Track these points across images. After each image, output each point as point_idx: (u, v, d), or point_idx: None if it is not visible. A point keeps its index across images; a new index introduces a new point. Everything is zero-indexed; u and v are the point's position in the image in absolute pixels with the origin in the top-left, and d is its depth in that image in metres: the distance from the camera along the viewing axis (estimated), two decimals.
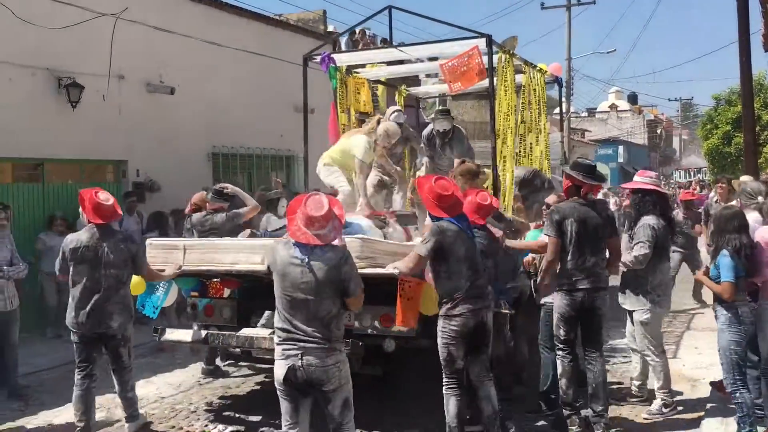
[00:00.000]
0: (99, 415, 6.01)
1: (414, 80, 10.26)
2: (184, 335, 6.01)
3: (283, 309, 3.95)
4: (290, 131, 14.27)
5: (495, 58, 6.98)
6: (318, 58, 8.06)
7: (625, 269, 5.69)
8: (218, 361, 7.41)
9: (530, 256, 5.85)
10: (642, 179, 5.85)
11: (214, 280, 6.20)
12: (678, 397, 6.06)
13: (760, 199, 5.57)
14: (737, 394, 4.83)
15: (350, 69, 8.55)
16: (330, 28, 17.06)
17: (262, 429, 5.76)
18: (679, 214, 9.93)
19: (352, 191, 6.65)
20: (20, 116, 9.23)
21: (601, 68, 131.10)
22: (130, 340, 5.57)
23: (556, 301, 5.40)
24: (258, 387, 7.02)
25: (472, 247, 4.83)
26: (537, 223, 6.26)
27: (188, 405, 6.49)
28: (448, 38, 7.68)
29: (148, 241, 6.05)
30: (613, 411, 5.75)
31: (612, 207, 12.05)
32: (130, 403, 5.61)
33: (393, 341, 5.19)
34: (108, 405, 6.36)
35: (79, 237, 5.42)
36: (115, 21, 9.75)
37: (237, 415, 6.11)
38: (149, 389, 6.97)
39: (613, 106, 63.65)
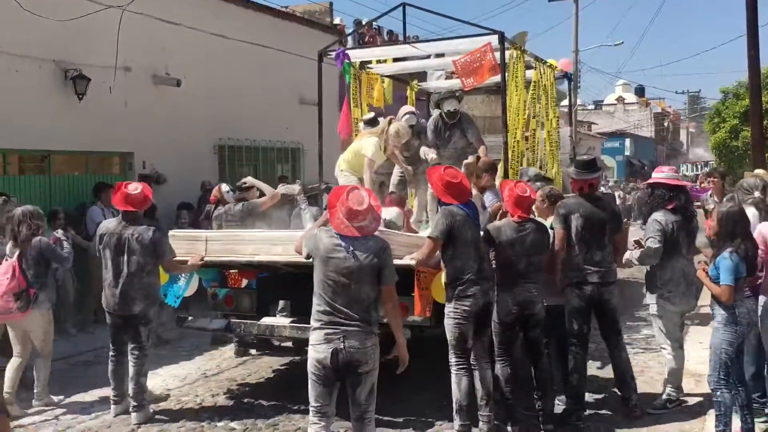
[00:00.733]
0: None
1: (423, 75, 10.32)
2: (207, 323, 6.42)
3: (324, 293, 4.10)
4: (296, 123, 14.30)
5: (507, 54, 7.08)
6: (332, 54, 8.28)
7: (631, 266, 5.74)
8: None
9: (497, 204, 6.03)
10: (656, 174, 5.91)
11: (232, 270, 6.39)
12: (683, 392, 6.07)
13: (757, 194, 5.55)
14: (718, 393, 4.82)
15: (363, 64, 8.71)
16: (336, 20, 17.05)
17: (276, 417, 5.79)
18: None
19: None
20: (27, 108, 9.24)
21: (608, 61, 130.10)
22: (152, 322, 5.89)
23: (567, 296, 5.57)
24: (264, 380, 7.05)
25: (477, 233, 5.17)
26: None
27: (194, 397, 6.52)
28: (460, 35, 7.80)
29: (171, 233, 6.24)
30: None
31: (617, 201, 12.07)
32: (139, 389, 5.80)
33: (409, 330, 5.32)
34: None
35: (108, 224, 5.85)
36: (121, 13, 9.73)
37: (243, 408, 6.14)
38: (155, 381, 6.98)
39: (620, 99, 63.42)
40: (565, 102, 13.81)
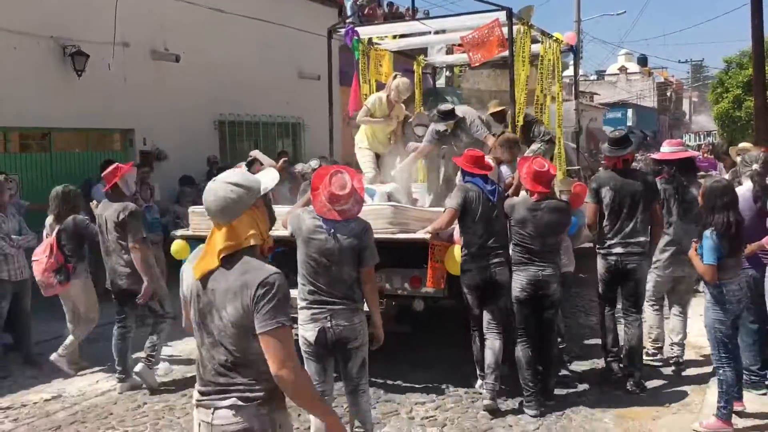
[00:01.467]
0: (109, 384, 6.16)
1: (426, 50, 10.41)
2: None
3: (307, 274, 4.17)
4: (296, 98, 14.26)
5: (514, 29, 7.18)
6: (342, 31, 8.49)
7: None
8: None
9: (510, 179, 6.17)
10: (663, 149, 6.29)
11: None
12: (684, 365, 6.20)
13: (755, 166, 5.56)
14: (720, 371, 4.83)
15: (371, 41, 8.87)
16: None
17: None
18: None
19: (374, 176, 7.14)
20: (26, 86, 9.23)
21: (610, 30, 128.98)
22: (156, 294, 6.08)
23: (598, 263, 5.86)
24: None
25: (490, 209, 5.30)
26: None
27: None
28: (468, 11, 8.01)
29: (190, 209, 6.53)
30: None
31: None
32: (152, 348, 6.13)
33: (422, 301, 5.67)
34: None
35: (100, 206, 6.12)
36: None
37: None
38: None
39: (622, 69, 62.89)
40: (568, 72, 13.74)
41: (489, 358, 5.34)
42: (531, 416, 5.25)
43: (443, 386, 5.92)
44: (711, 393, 5.31)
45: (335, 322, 4.08)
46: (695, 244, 4.85)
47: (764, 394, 5.37)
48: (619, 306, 5.94)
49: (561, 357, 6.06)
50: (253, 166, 7.54)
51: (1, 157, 9.22)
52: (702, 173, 8.31)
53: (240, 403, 2.52)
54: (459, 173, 5.84)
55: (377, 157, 7.61)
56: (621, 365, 5.87)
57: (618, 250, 5.66)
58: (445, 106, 7.22)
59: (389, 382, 5.99)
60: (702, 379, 5.90)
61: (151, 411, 5.66)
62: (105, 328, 7.45)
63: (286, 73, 14.16)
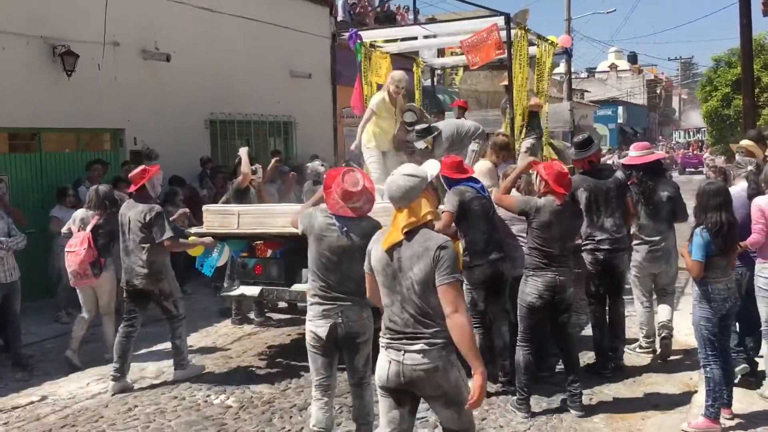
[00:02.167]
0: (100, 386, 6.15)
1: (415, 52, 10.64)
2: (242, 290, 6.93)
3: (318, 270, 4.25)
4: (287, 96, 14.25)
5: (512, 33, 7.47)
6: (346, 35, 8.85)
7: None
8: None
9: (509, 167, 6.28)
10: (631, 153, 6.64)
11: (258, 242, 6.81)
12: (672, 364, 6.28)
13: (750, 168, 5.70)
14: (707, 369, 4.89)
15: (373, 44, 9.13)
16: None
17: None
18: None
19: (379, 177, 7.20)
20: (15, 85, 9.17)
21: (601, 29, 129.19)
22: (172, 295, 6.30)
23: (584, 262, 6.09)
24: (259, 357, 7.12)
25: (487, 206, 5.58)
26: None
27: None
28: (467, 17, 8.63)
29: (204, 208, 6.83)
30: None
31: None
32: (177, 351, 6.37)
33: None
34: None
35: (124, 205, 6.30)
36: None
37: (239, 385, 6.21)
38: (150, 359, 7.06)
39: (612, 66, 63.10)
40: (558, 69, 13.95)
41: (499, 342, 5.77)
42: (522, 418, 5.29)
43: None
44: (700, 393, 5.37)
45: (346, 316, 4.18)
46: (687, 243, 4.92)
47: (744, 371, 5.55)
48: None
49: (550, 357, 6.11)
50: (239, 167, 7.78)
51: None
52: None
53: (426, 347, 3.28)
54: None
55: (384, 155, 7.70)
56: (612, 364, 6.11)
57: (605, 246, 5.98)
58: (420, 126, 7.34)
59: None
60: (691, 379, 5.96)
61: (142, 414, 5.65)
62: (97, 329, 7.45)
63: (278, 72, 14.15)
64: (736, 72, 24.16)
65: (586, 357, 6.34)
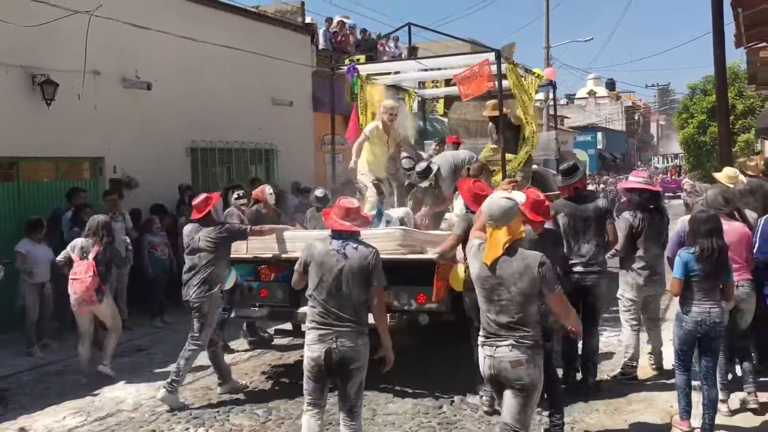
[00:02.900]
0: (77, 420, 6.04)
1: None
2: (251, 312, 7.20)
3: (317, 296, 4.49)
4: (269, 124, 14.29)
5: (503, 67, 7.97)
6: (344, 68, 9.38)
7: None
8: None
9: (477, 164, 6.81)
10: (633, 178, 6.88)
11: (262, 266, 7.03)
12: (653, 390, 6.30)
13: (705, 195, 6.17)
14: (676, 374, 5.34)
15: (369, 76, 9.59)
16: (308, 20, 16.98)
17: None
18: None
19: (375, 201, 7.68)
20: None
21: (579, 56, 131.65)
22: (206, 318, 6.42)
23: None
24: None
25: None
26: None
27: (168, 408, 6.46)
28: (461, 52, 9.42)
29: None
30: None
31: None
32: (177, 372, 6.39)
33: (427, 316, 6.28)
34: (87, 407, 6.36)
35: (189, 228, 6.65)
36: (89, 18, 9.61)
37: (217, 419, 6.13)
38: (128, 391, 6.96)
39: (591, 93, 63.94)
40: (538, 97, 14.38)
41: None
42: None
43: (447, 392, 6.42)
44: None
45: (340, 342, 4.38)
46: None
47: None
48: None
49: None
50: (234, 191, 8.38)
51: None
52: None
53: (515, 343, 3.93)
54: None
55: (379, 181, 8.15)
56: (580, 375, 6.43)
57: (579, 269, 6.24)
58: (419, 167, 7.87)
59: (396, 388, 6.55)
60: (672, 407, 5.95)
61: None
62: (72, 361, 7.36)
63: (259, 100, 14.19)
64: (711, 99, 24.61)
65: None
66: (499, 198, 4.09)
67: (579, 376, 6.43)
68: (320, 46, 16.70)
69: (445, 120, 12.73)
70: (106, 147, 10.75)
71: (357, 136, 8.75)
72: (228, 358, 8.02)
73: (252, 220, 7.67)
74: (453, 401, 6.29)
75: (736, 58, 24.66)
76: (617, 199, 29.81)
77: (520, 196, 4.54)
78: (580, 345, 6.42)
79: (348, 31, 18.14)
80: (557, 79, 11.15)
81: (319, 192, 8.06)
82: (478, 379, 5.62)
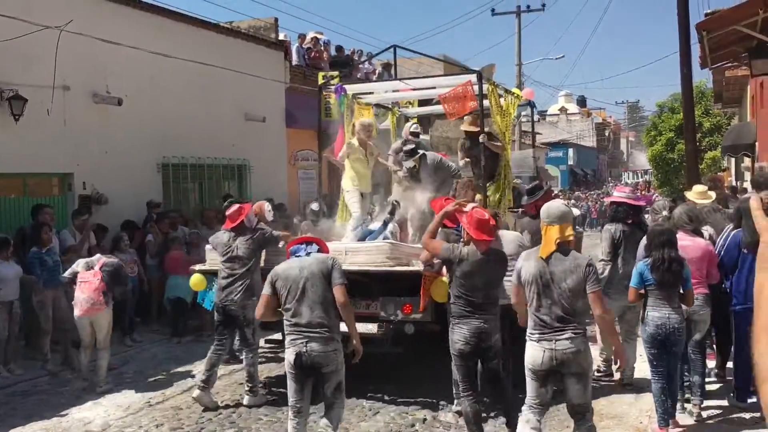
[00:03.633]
0: None
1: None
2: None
3: (288, 306, 4.89)
4: (242, 140, 14.22)
5: (484, 87, 8.36)
6: (332, 88, 9.59)
7: None
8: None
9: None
10: (618, 193, 7.27)
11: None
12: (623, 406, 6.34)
13: (665, 213, 6.57)
14: (652, 382, 5.59)
15: (354, 95, 9.84)
16: (281, 36, 16.98)
17: None
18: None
19: (359, 216, 8.03)
20: None
21: (551, 74, 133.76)
22: (253, 323, 6.74)
23: None
24: (203, 409, 6.94)
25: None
26: None
27: (137, 429, 6.38)
28: (444, 74, 9.91)
29: (207, 248, 7.46)
30: None
31: None
32: (250, 377, 6.81)
33: (412, 326, 6.52)
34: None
35: (223, 236, 6.98)
36: (59, 33, 9.51)
37: None
38: (97, 412, 6.83)
39: (562, 109, 64.76)
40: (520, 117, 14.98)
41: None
42: None
43: (430, 400, 6.60)
44: None
45: (310, 347, 4.78)
46: None
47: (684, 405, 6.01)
48: None
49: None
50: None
51: None
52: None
53: (573, 335, 4.49)
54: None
55: (362, 196, 8.34)
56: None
57: None
58: (408, 146, 8.26)
59: (386, 397, 6.82)
60: (641, 423, 6.03)
61: None
62: (38, 382, 7.21)
63: (232, 116, 14.13)
64: (678, 117, 25.03)
65: None
66: (559, 202, 4.95)
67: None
68: (294, 62, 16.71)
69: (426, 137, 12.93)
70: (75, 163, 10.62)
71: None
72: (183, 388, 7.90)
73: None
74: (426, 419, 6.29)
75: (703, 77, 25.17)
76: (588, 214, 30.26)
77: (576, 210, 5.26)
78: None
79: (322, 47, 18.16)
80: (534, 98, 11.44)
81: (314, 206, 8.46)
82: (455, 392, 5.95)
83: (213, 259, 7.27)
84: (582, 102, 64.70)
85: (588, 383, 4.58)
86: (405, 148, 8.30)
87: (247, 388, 6.85)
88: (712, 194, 7.70)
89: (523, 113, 12.34)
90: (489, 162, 8.25)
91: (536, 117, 14.00)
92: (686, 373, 6.09)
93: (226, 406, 6.89)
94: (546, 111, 65.44)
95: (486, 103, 8.50)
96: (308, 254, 5.06)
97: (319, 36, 18.79)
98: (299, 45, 17.52)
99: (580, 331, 4.51)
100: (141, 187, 11.66)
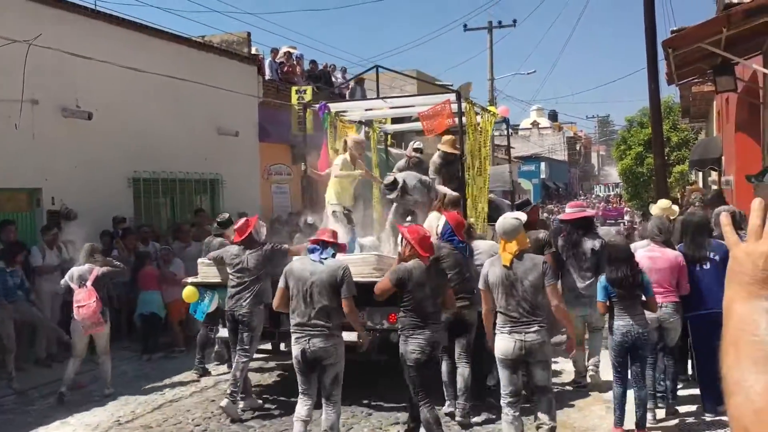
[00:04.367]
0: None
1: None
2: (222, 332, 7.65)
3: (296, 307, 5.38)
4: (214, 155, 14.15)
5: (463, 106, 8.69)
6: (317, 106, 9.93)
7: None
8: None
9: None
10: (569, 210, 7.69)
11: None
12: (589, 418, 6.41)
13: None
14: (614, 386, 5.94)
15: (338, 113, 10.21)
16: (254, 50, 16.98)
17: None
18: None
19: (346, 230, 8.07)
20: None
21: (523, 89, 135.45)
22: (255, 331, 6.95)
23: None
24: (175, 428, 6.86)
25: (458, 257, 6.42)
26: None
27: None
28: (424, 93, 10.36)
29: (199, 261, 7.77)
30: None
31: None
32: (234, 382, 6.84)
33: (397, 334, 6.39)
34: None
35: (232, 249, 7.20)
36: (28, 47, 9.41)
37: None
38: (64, 430, 6.71)
39: (534, 123, 65.48)
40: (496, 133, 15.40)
41: (460, 382, 6.38)
42: None
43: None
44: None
45: (312, 343, 5.31)
46: None
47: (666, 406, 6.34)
48: None
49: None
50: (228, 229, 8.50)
51: None
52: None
53: (539, 328, 5.15)
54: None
55: (348, 210, 8.53)
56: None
57: None
58: (387, 180, 8.41)
59: (373, 402, 7.03)
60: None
61: None
62: (4, 401, 7.05)
63: (204, 130, 14.07)
64: (647, 132, 25.42)
65: None
66: (510, 218, 5.41)
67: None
68: (267, 77, 16.70)
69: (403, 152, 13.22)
70: (43, 177, 10.48)
71: (327, 167, 9.11)
72: (169, 395, 7.84)
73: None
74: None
75: (671, 92, 25.63)
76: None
77: (523, 215, 6.19)
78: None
79: (295, 62, 18.18)
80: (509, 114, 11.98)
81: (310, 219, 8.61)
82: (447, 393, 6.49)
83: (205, 272, 7.53)
84: (553, 116, 65.48)
85: (549, 369, 5.34)
86: (384, 182, 8.43)
87: (228, 392, 6.85)
88: (676, 209, 8.23)
89: (496, 131, 12.79)
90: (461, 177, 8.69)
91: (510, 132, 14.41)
92: (660, 383, 6.37)
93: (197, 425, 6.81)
94: (518, 125, 66.14)
95: (464, 120, 8.72)
96: (323, 261, 5.43)
97: (292, 50, 18.82)
98: (272, 59, 17.53)
99: (544, 326, 5.16)
100: (111, 202, 11.53)
